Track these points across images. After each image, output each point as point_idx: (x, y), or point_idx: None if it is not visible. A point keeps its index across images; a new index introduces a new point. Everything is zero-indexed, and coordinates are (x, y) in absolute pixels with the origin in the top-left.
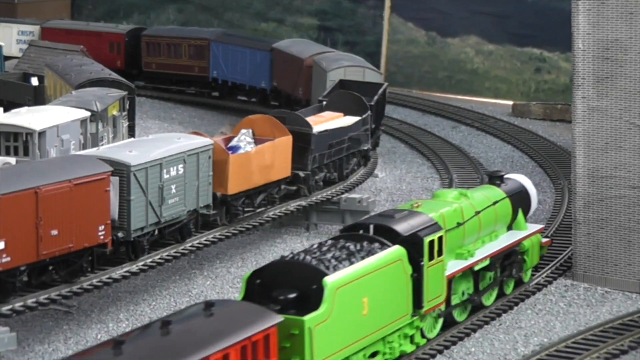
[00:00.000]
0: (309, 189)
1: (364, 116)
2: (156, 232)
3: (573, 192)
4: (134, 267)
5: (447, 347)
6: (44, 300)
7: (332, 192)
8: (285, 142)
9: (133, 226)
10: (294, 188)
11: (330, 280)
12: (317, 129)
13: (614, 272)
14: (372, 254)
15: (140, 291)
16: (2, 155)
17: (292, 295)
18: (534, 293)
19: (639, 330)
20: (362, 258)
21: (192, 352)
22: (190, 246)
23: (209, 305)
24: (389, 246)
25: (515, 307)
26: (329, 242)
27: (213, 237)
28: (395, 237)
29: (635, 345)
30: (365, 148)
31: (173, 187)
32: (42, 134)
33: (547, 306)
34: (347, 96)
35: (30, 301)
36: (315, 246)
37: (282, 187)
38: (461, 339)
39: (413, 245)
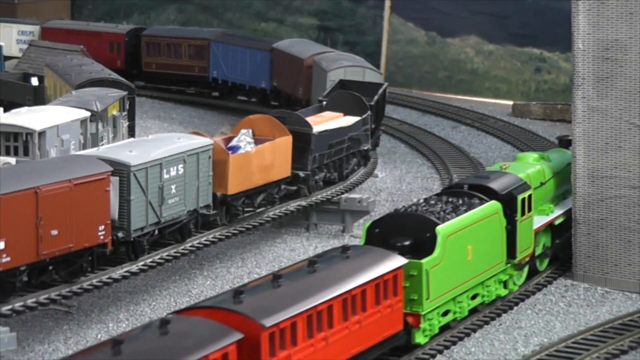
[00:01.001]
0: (309, 189)
1: (364, 116)
2: (156, 232)
3: (573, 192)
4: (134, 267)
5: (447, 347)
6: (44, 300)
7: (332, 192)
8: (285, 142)
9: (133, 226)
10: (294, 188)
11: (442, 228)
12: (317, 129)
13: (614, 272)
14: (473, 207)
15: (140, 291)
16: (2, 155)
17: (408, 242)
18: (534, 293)
19: (639, 330)
20: (465, 211)
21: (337, 287)
22: (190, 246)
23: (345, 249)
24: (487, 201)
25: (515, 307)
26: (434, 197)
27: (213, 237)
28: (491, 194)
29: (635, 345)
30: (365, 148)
31: (173, 187)
32: (42, 134)
33: (547, 306)
34: (347, 96)
35: (30, 301)
36: (421, 201)
37: (282, 187)
38: (461, 339)
39: (508, 201)
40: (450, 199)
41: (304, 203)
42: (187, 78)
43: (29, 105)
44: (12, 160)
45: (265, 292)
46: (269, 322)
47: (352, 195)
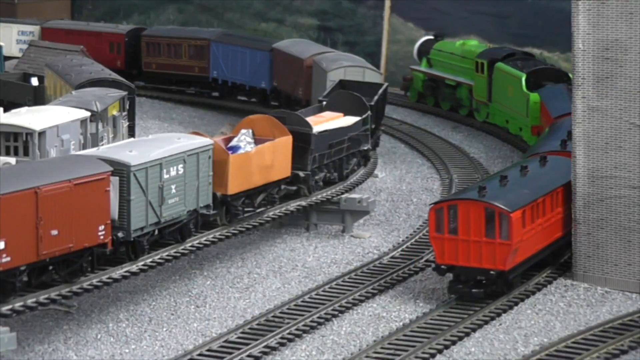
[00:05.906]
0: (309, 189)
1: (364, 116)
2: (156, 232)
3: (573, 192)
4: (134, 267)
5: (447, 347)
6: (44, 300)
7: (332, 192)
8: (285, 142)
9: (133, 226)
10: (294, 188)
11: None
12: (317, 129)
13: (614, 272)
14: None
15: (140, 291)
16: (2, 155)
17: None
18: (534, 293)
19: (639, 330)
20: None
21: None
22: (190, 246)
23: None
24: None
25: (515, 307)
26: None
27: (213, 237)
28: None
29: (635, 345)
30: (365, 148)
31: (173, 187)
32: (42, 134)
33: (547, 306)
34: (347, 96)
35: (30, 301)
36: None
37: (282, 187)
38: (461, 338)
39: None
40: None
41: (304, 203)
42: (187, 78)
43: (29, 105)
44: (12, 160)
45: None
46: None
47: (352, 195)
